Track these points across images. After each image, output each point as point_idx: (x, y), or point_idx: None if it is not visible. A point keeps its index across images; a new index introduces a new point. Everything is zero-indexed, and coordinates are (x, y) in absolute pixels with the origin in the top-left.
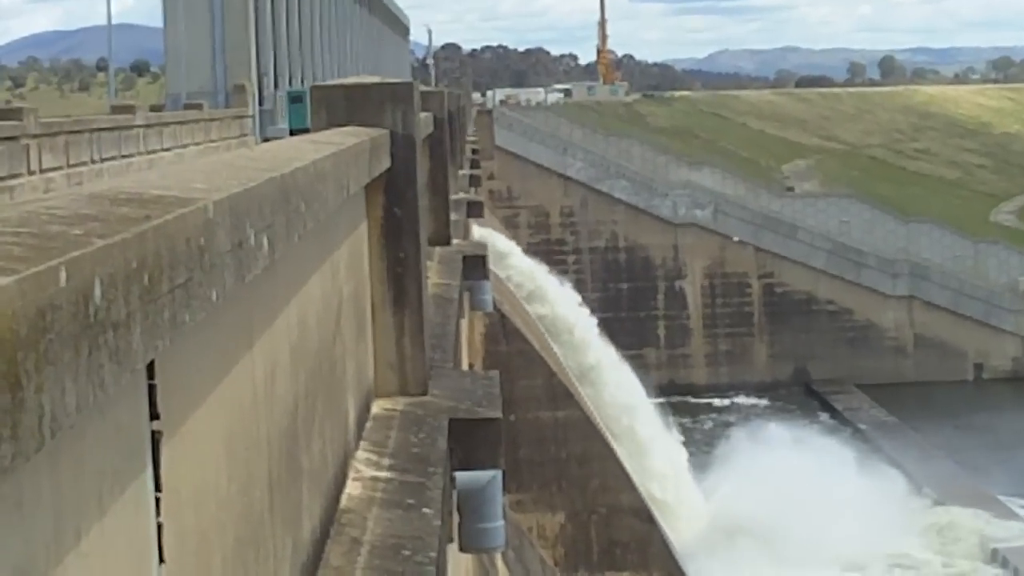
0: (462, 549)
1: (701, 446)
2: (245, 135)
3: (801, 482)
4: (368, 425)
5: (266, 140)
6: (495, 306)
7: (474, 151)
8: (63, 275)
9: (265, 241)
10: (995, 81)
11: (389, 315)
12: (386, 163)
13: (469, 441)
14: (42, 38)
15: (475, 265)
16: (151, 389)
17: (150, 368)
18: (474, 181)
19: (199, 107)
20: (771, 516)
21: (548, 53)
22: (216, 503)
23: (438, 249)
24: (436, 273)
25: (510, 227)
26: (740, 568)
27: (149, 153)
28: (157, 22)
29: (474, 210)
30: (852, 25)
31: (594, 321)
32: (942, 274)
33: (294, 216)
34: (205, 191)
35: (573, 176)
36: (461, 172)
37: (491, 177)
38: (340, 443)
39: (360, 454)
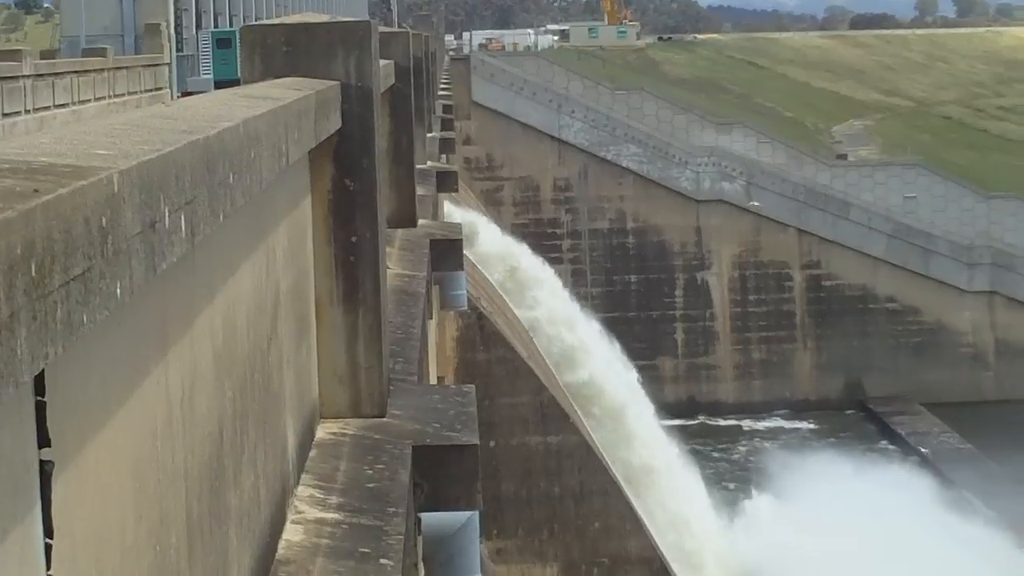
0: None
1: (728, 480)
2: (160, 88)
3: (854, 528)
4: (312, 454)
5: (186, 95)
6: (471, 304)
7: (447, 109)
8: None
9: (183, 221)
10: None
11: (339, 314)
12: (336, 123)
13: (438, 474)
14: None
15: (447, 252)
16: (39, 408)
17: (38, 382)
18: (446, 146)
19: (102, 53)
20: (815, 570)
21: None
22: (121, 551)
23: (400, 232)
24: (398, 262)
25: (491, 204)
26: None
27: (39, 111)
28: None
29: (446, 183)
30: None
31: (594, 323)
32: None
33: (220, 190)
34: (109, 158)
35: (570, 140)
36: (430, 135)
37: (468, 141)
38: (277, 476)
39: (302, 490)
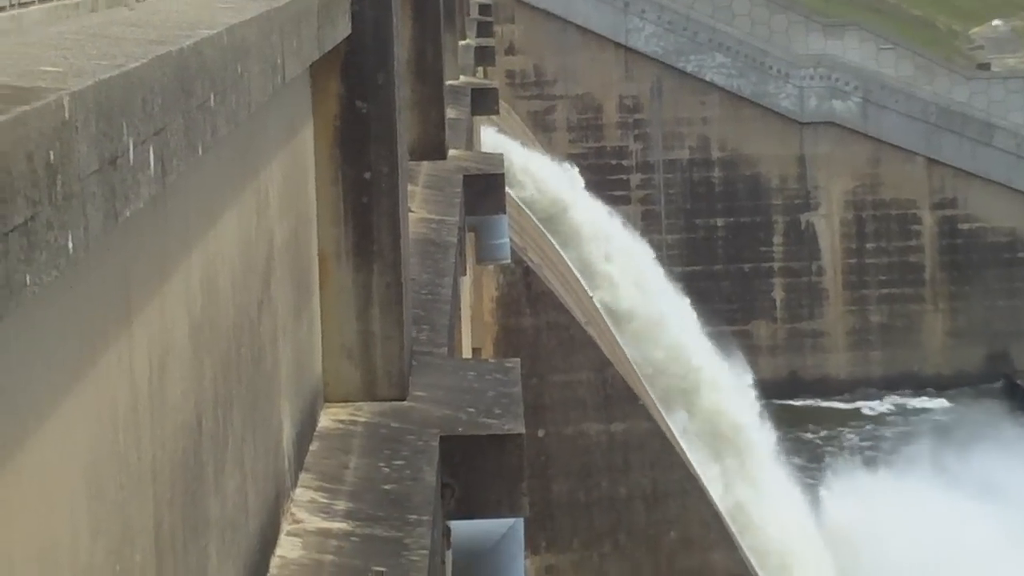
0: None
1: (839, 476)
2: None
3: (1001, 530)
4: (313, 447)
5: None
6: (515, 256)
7: (484, 9)
8: None
9: (152, 156)
10: None
11: (348, 272)
12: (345, 29)
13: (473, 471)
14: None
15: (485, 191)
16: None
17: None
18: (484, 57)
19: None
20: None
21: None
22: (72, 574)
23: (426, 165)
24: (423, 204)
25: (541, 130)
26: None
27: None
28: None
29: (484, 103)
30: None
31: (666, 278)
32: None
33: (198, 116)
34: (58, 77)
35: (640, 48)
36: (463, 43)
37: (511, 50)
38: (269, 476)
39: (301, 493)
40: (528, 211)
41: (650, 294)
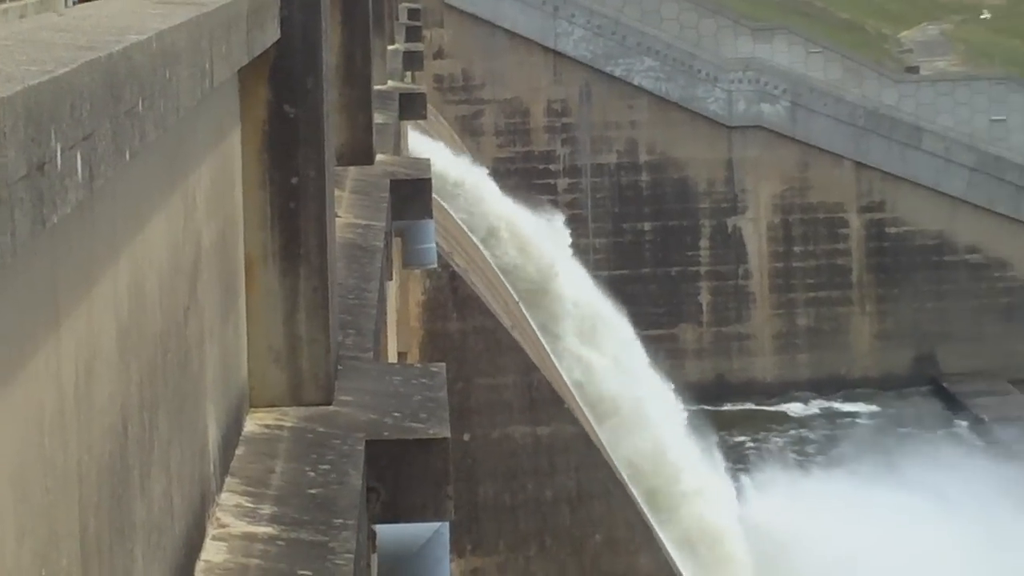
0: None
1: (765, 479)
2: None
3: (928, 543)
4: (239, 452)
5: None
6: (441, 260)
7: (413, 14)
8: None
9: (80, 161)
10: None
11: (274, 276)
12: (273, 34)
13: (398, 475)
14: None
15: (412, 195)
16: None
17: None
18: (412, 62)
19: None
20: None
21: None
22: None
23: (353, 170)
24: (350, 208)
25: (468, 134)
26: None
27: None
28: None
29: (412, 108)
30: None
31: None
32: None
33: (127, 121)
34: None
35: (569, 52)
36: (392, 47)
37: (439, 55)
38: (195, 480)
39: (226, 497)
40: (455, 214)
41: (577, 296)
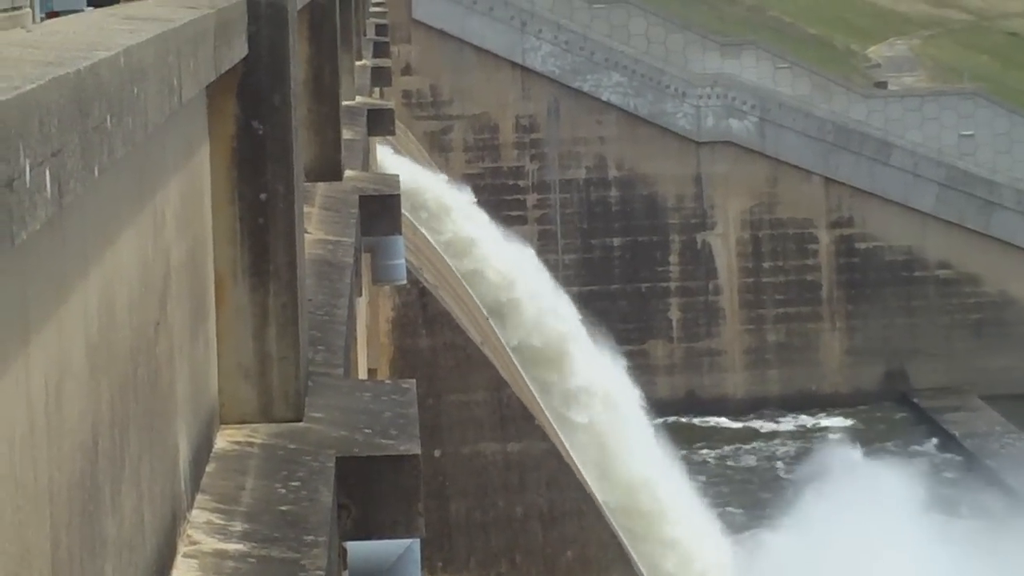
0: None
1: (735, 495)
2: (18, 8)
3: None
4: (210, 468)
5: (52, 15)
6: (411, 276)
7: (380, 30)
8: None
9: (48, 178)
10: None
11: (244, 293)
12: (241, 50)
13: (369, 492)
14: None
15: (381, 211)
16: None
17: None
18: (381, 78)
19: None
20: None
21: None
22: None
23: (322, 186)
24: (319, 225)
25: (437, 150)
26: None
27: None
28: None
29: (380, 124)
30: None
31: (566, 300)
32: None
33: (95, 137)
34: None
35: (537, 68)
36: (360, 63)
37: (407, 71)
38: (166, 497)
39: (197, 515)
40: (425, 231)
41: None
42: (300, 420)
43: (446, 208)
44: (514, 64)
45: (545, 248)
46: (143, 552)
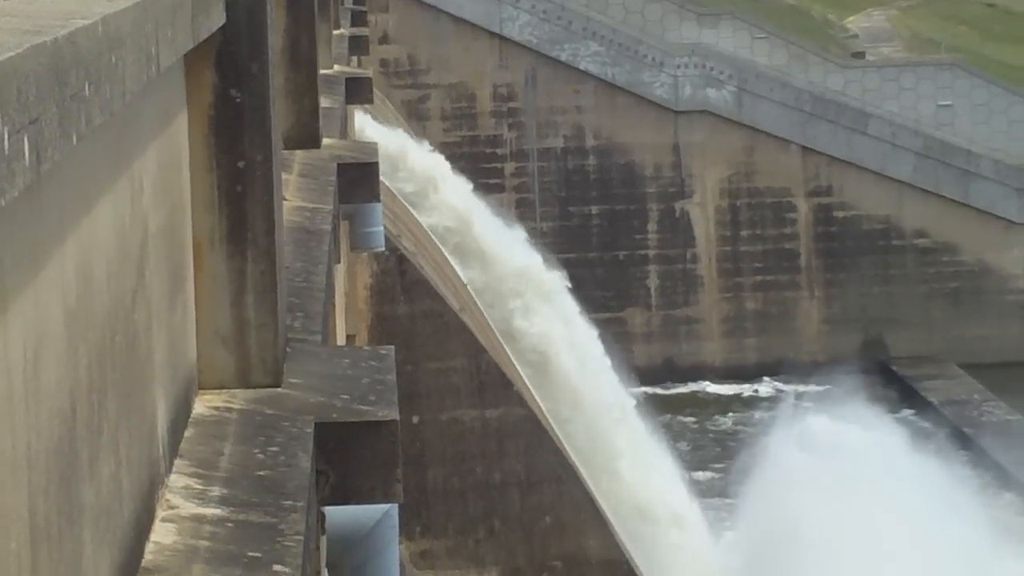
0: None
1: (713, 461)
2: None
3: (870, 522)
4: (188, 434)
5: None
6: (389, 243)
7: None
8: None
9: (26, 146)
10: None
11: (222, 260)
12: (219, 19)
13: (347, 458)
14: None
15: (359, 179)
16: None
17: None
18: (358, 46)
19: None
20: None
21: None
22: None
23: (300, 154)
24: (297, 192)
25: (415, 118)
26: None
27: None
28: None
29: (358, 92)
30: None
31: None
32: None
33: (73, 105)
34: None
35: (514, 37)
36: (337, 32)
37: (385, 39)
38: (144, 463)
39: (175, 480)
40: (403, 199)
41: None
42: (278, 386)
43: (429, 177)
44: (492, 33)
45: (523, 216)
46: (121, 518)
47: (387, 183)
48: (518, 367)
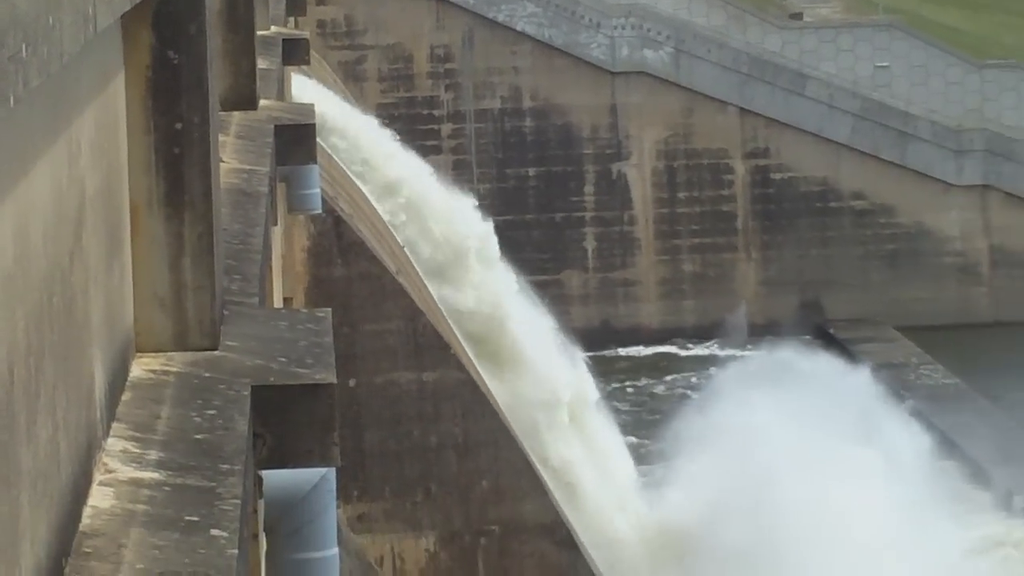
0: None
1: (648, 425)
2: None
3: (803, 482)
4: (125, 397)
5: None
6: (326, 205)
7: None
8: None
9: None
10: None
11: (159, 222)
12: None
13: (285, 421)
14: None
15: (296, 140)
16: None
17: None
18: (295, 7)
19: None
20: (751, 535)
21: None
22: None
23: (237, 115)
24: (234, 153)
25: (351, 80)
26: None
27: None
28: None
29: (295, 53)
30: None
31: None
32: None
33: (10, 67)
34: None
35: None
36: None
37: (322, 1)
38: (81, 426)
39: (113, 443)
40: (340, 161)
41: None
42: (216, 349)
43: (365, 138)
44: None
45: (460, 178)
46: (58, 481)
47: (323, 145)
48: (456, 331)
